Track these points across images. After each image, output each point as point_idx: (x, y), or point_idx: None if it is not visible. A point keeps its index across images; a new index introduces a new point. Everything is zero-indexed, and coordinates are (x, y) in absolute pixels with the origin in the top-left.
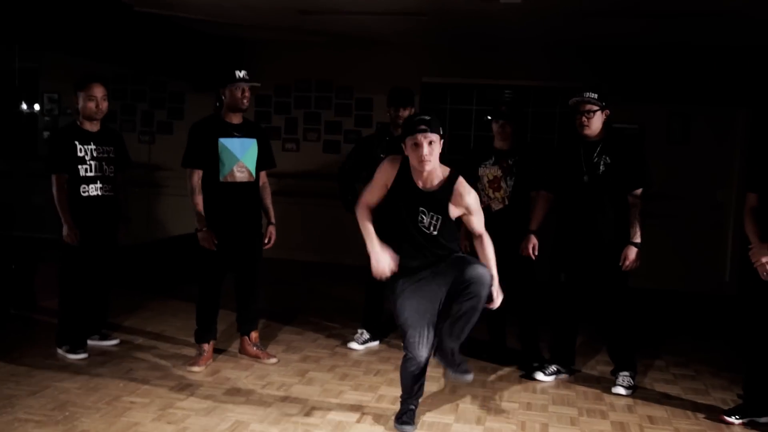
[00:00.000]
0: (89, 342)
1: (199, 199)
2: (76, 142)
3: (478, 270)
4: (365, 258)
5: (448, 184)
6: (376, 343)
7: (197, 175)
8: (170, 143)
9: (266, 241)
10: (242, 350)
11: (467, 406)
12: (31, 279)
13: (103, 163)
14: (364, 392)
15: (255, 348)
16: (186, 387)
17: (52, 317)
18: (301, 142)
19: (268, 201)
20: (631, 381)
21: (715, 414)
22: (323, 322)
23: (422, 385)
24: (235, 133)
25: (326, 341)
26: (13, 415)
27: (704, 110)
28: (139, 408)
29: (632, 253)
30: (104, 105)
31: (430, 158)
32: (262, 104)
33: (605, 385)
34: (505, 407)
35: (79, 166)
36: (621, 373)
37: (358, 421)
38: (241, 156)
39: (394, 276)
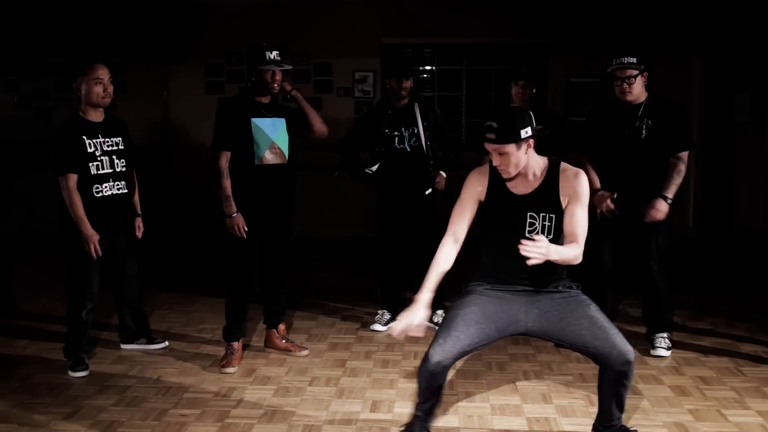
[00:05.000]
0: (136, 346)
1: (228, 183)
2: (84, 137)
3: (625, 351)
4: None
5: (552, 172)
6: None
7: (226, 158)
8: None
9: None
10: (270, 344)
11: (522, 383)
12: (8, 280)
13: (114, 158)
14: (414, 378)
15: (284, 341)
16: (230, 391)
17: (36, 322)
18: None
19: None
20: (669, 343)
21: (757, 366)
22: (328, 303)
23: (436, 394)
24: (266, 113)
25: (344, 325)
26: None
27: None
28: (194, 422)
29: (660, 204)
30: (111, 89)
31: (508, 169)
32: (212, 74)
33: (642, 347)
34: (561, 380)
35: (90, 164)
36: (658, 335)
37: None
38: (274, 136)
39: (485, 276)
